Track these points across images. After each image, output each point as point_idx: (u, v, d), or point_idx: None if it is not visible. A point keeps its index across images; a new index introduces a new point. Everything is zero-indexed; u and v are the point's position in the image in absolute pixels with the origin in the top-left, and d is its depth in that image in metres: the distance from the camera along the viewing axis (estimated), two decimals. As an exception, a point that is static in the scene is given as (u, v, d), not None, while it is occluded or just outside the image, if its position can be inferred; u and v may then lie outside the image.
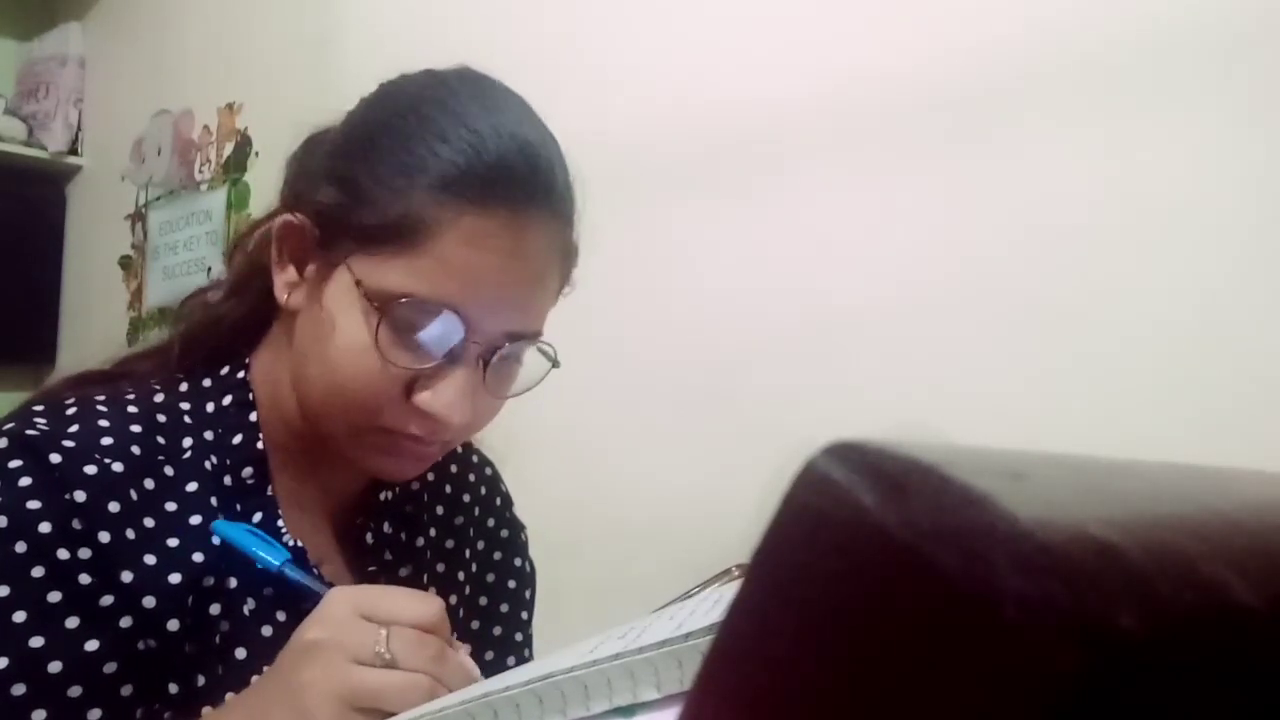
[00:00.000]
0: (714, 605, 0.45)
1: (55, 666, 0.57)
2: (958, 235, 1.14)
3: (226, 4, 2.30)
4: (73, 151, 2.73)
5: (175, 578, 0.61)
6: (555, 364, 0.68)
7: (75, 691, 0.57)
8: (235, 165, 2.24)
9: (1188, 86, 1.00)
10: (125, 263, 2.56)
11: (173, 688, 0.61)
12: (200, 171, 2.34)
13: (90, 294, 2.67)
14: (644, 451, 1.41)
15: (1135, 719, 0.13)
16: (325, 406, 0.65)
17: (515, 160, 0.61)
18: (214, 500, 0.65)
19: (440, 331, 0.61)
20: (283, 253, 0.67)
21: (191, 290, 0.78)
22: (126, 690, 0.59)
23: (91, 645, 0.58)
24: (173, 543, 0.62)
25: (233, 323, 0.72)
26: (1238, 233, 0.96)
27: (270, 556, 0.62)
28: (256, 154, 2.19)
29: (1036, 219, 1.09)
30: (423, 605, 0.55)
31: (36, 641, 0.57)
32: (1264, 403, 0.93)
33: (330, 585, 0.63)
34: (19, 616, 0.57)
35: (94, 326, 2.61)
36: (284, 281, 0.67)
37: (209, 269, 2.27)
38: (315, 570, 0.67)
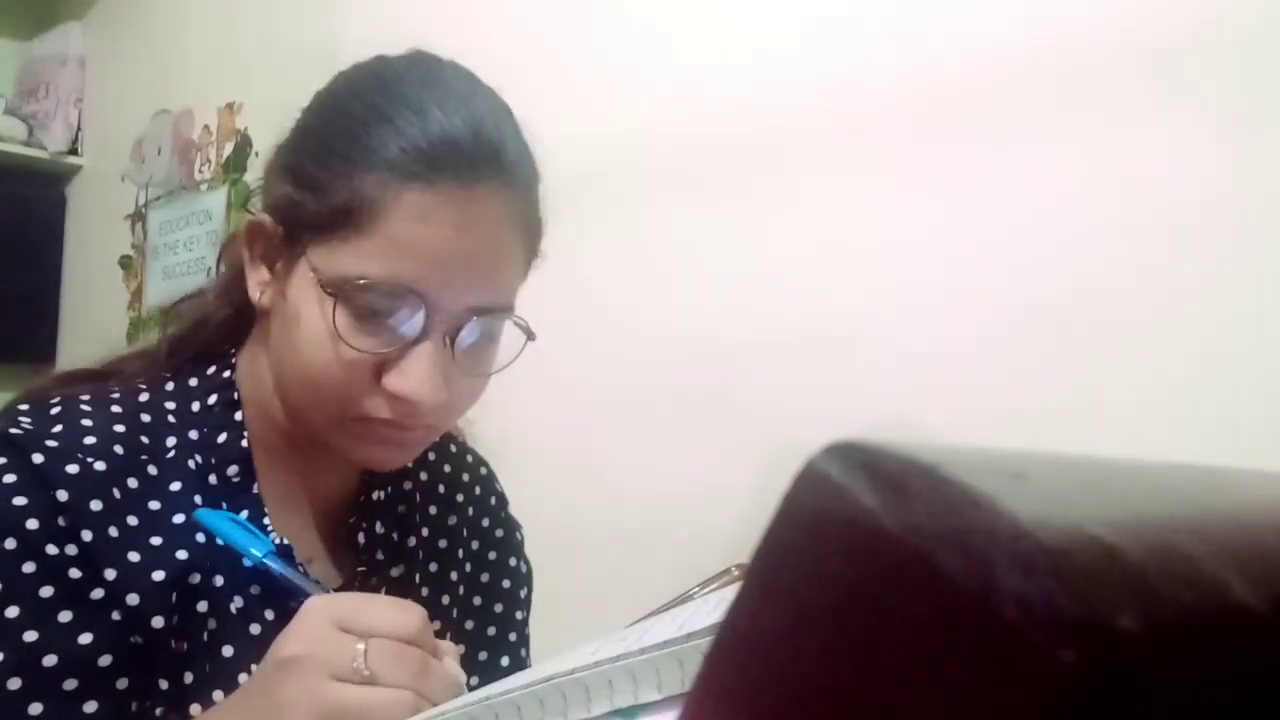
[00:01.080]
0: (715, 606, 0.45)
1: (50, 660, 0.57)
2: (957, 236, 1.14)
3: (227, 4, 2.30)
4: (73, 151, 2.73)
5: (159, 575, 0.61)
6: (531, 336, 0.67)
7: (71, 684, 0.57)
8: (235, 165, 2.24)
9: (1187, 86, 1.00)
10: (125, 263, 2.55)
11: (163, 683, 0.61)
12: (200, 171, 2.34)
13: (90, 294, 2.67)
14: (643, 452, 1.41)
15: (1135, 719, 0.13)
16: (302, 400, 0.65)
17: (459, 133, 0.60)
18: (198, 499, 0.65)
19: (399, 311, 0.60)
20: (254, 254, 0.67)
21: (187, 292, 0.78)
22: (122, 683, 0.60)
23: (85, 638, 0.58)
24: (156, 541, 0.62)
25: (219, 323, 0.72)
26: (1236, 232, 0.96)
27: (253, 547, 0.62)
28: (256, 154, 2.19)
29: (1036, 219, 1.09)
30: (402, 616, 0.54)
31: (30, 636, 0.57)
32: (1264, 403, 0.93)
33: (314, 580, 0.63)
34: (11, 612, 0.57)
35: (94, 326, 2.61)
36: (256, 282, 0.67)
37: (209, 269, 2.27)
38: (301, 568, 0.67)
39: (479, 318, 0.62)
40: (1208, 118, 0.98)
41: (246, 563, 0.63)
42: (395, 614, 0.54)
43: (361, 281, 0.59)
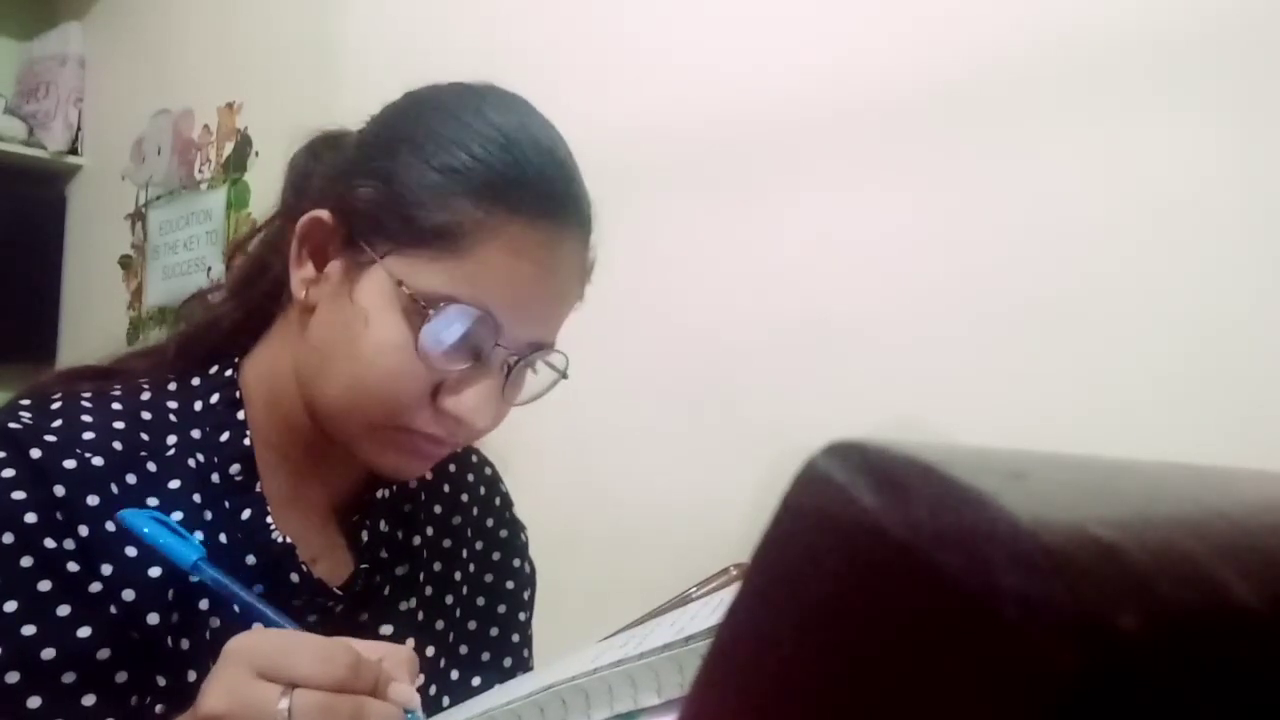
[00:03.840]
0: (714, 609, 0.45)
1: (48, 653, 0.57)
2: (957, 235, 1.14)
3: (227, 4, 2.30)
4: (73, 151, 2.73)
5: (155, 571, 0.61)
6: (564, 375, 0.69)
7: (69, 678, 0.57)
8: (235, 165, 2.24)
9: (1186, 86, 1.00)
10: (125, 262, 2.55)
11: (161, 680, 0.61)
12: (200, 171, 2.34)
13: (90, 294, 2.67)
14: (643, 452, 1.41)
15: (1135, 719, 0.13)
16: (346, 403, 0.65)
17: (554, 174, 0.64)
18: (198, 497, 0.65)
19: (475, 336, 0.62)
20: (303, 249, 0.66)
21: (194, 290, 0.78)
22: (120, 677, 0.60)
23: (84, 632, 0.58)
24: None
25: (230, 323, 0.72)
26: (1235, 232, 0.96)
27: (183, 551, 0.58)
28: (256, 153, 2.19)
29: (1035, 219, 1.09)
30: (328, 662, 0.50)
31: (29, 630, 0.57)
32: (1264, 402, 0.93)
33: (247, 587, 0.59)
34: (10, 606, 0.57)
35: (94, 326, 2.61)
36: (301, 278, 0.66)
37: (209, 269, 2.27)
38: (304, 566, 0.67)
39: (535, 352, 0.66)
40: (1208, 118, 0.98)
41: (182, 563, 0.59)
42: (321, 660, 0.50)
43: (445, 302, 0.61)
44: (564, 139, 0.67)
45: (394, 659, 0.54)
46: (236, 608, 0.60)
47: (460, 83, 0.69)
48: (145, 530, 0.59)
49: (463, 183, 0.61)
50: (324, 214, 0.65)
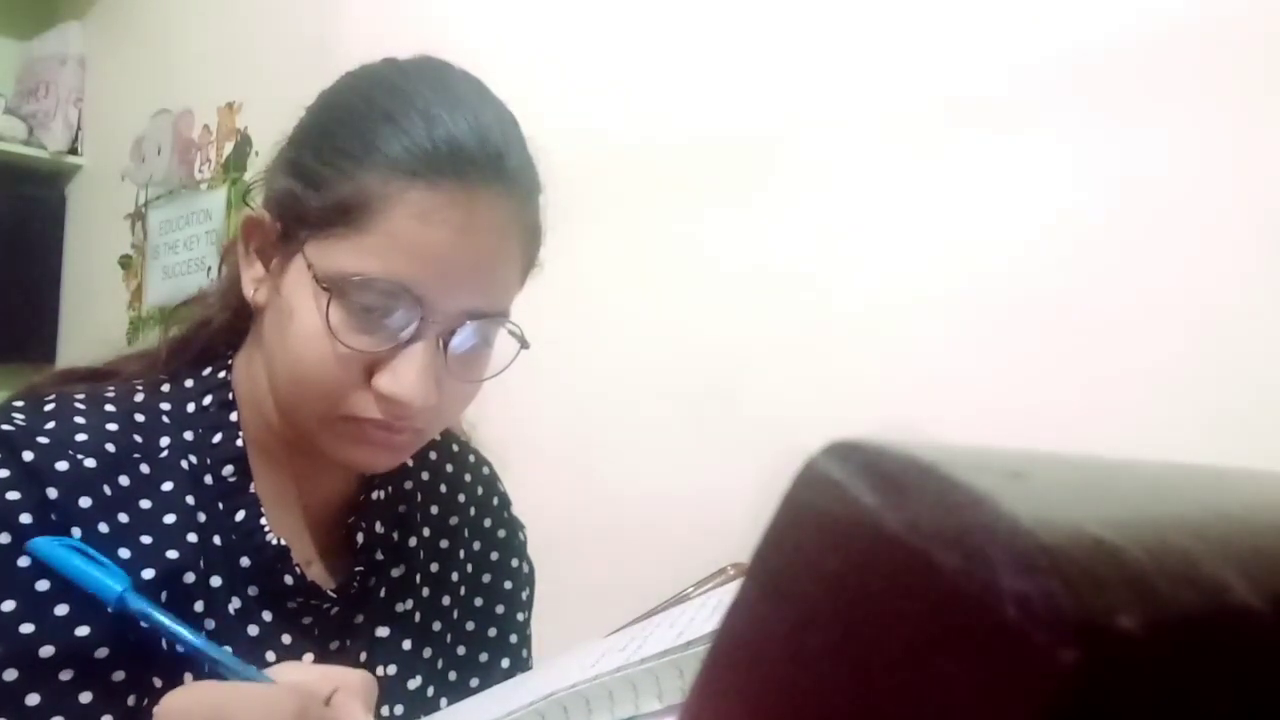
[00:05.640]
0: (714, 611, 0.45)
1: (47, 651, 0.57)
2: (957, 235, 1.14)
3: (226, 4, 2.30)
4: (73, 151, 2.73)
5: (148, 573, 0.60)
6: (524, 345, 0.66)
7: (67, 675, 0.57)
8: (235, 165, 2.24)
9: (1187, 86, 1.00)
10: (125, 262, 2.55)
11: (157, 682, 0.61)
12: (200, 171, 2.34)
13: (90, 294, 2.67)
14: (643, 452, 1.41)
15: (1135, 719, 0.13)
16: (291, 398, 0.64)
17: (464, 137, 0.60)
18: (191, 499, 0.64)
19: (394, 310, 0.60)
20: (249, 249, 0.67)
21: (193, 291, 0.78)
22: (118, 676, 0.59)
23: (82, 631, 0.58)
24: (146, 539, 0.62)
25: (219, 325, 0.72)
26: (1235, 233, 0.96)
27: (107, 581, 0.56)
28: (256, 153, 2.19)
29: (1036, 219, 1.09)
30: (271, 718, 0.48)
31: (27, 628, 0.57)
32: (1264, 403, 0.93)
33: (174, 621, 0.57)
34: (8, 605, 0.57)
35: (94, 326, 2.61)
36: (251, 278, 0.67)
37: (209, 269, 2.27)
38: (298, 568, 0.67)
39: (474, 322, 0.62)
40: (1208, 118, 0.98)
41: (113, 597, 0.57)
42: (263, 714, 0.48)
43: (357, 278, 0.59)
44: (493, 101, 0.65)
45: (349, 688, 0.52)
46: (167, 641, 0.58)
47: (388, 60, 0.67)
48: (61, 561, 0.56)
49: (367, 157, 0.60)
50: (261, 212, 0.66)
